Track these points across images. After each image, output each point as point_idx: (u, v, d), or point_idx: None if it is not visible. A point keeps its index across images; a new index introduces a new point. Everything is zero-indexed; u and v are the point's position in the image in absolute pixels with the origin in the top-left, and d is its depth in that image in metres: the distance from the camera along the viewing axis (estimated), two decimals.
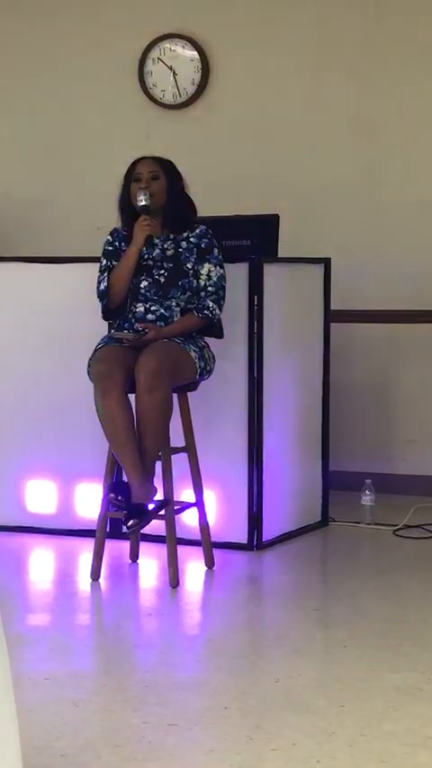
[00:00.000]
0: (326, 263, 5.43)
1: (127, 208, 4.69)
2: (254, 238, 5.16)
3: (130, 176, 4.68)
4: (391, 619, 4.05)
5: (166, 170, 4.68)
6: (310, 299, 5.36)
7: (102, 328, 4.82)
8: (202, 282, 4.62)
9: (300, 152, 6.29)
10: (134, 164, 4.71)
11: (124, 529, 4.45)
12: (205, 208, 5.05)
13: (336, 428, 5.59)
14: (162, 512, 4.46)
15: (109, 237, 4.74)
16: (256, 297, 4.93)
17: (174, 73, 6.50)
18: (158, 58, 6.52)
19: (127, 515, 4.38)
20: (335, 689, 3.38)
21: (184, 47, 6.47)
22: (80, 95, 6.69)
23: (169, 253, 4.63)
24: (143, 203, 4.59)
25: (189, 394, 4.62)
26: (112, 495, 4.44)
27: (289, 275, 5.23)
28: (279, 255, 5.20)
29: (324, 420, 5.43)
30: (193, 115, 6.50)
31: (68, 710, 3.22)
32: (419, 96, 6.12)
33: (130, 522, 4.37)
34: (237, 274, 4.86)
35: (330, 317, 5.44)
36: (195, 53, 6.44)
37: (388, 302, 6.13)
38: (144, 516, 4.38)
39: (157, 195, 4.62)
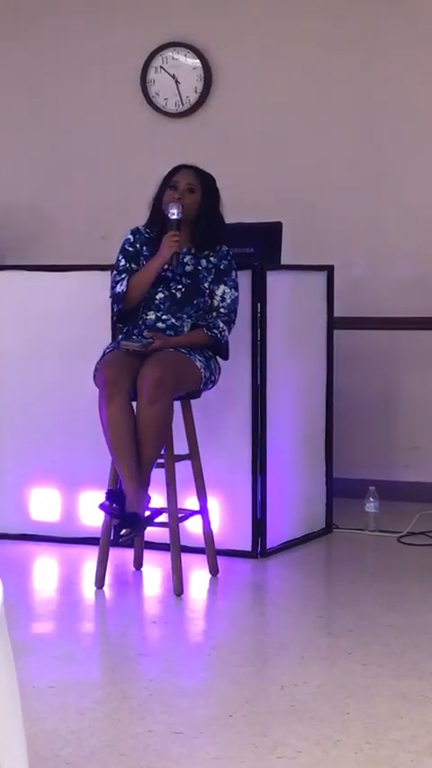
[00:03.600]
0: (329, 270, 5.43)
1: (157, 210, 4.63)
2: (257, 246, 5.17)
3: (168, 181, 4.63)
4: (395, 626, 4.05)
5: (205, 185, 4.63)
6: (313, 307, 5.37)
7: (105, 336, 4.82)
8: (216, 303, 4.61)
9: (302, 159, 6.29)
10: (175, 170, 4.66)
11: (118, 538, 4.41)
12: None
13: (339, 435, 5.59)
14: (159, 519, 4.46)
15: (130, 237, 4.68)
16: (259, 304, 4.93)
17: (176, 81, 6.51)
18: (161, 67, 6.53)
19: (120, 524, 4.37)
20: (340, 696, 3.38)
21: (186, 55, 6.48)
22: (83, 104, 6.71)
23: (189, 268, 4.61)
24: (174, 217, 4.52)
25: (193, 401, 4.62)
26: (107, 502, 4.44)
27: (292, 283, 5.23)
28: (282, 263, 5.20)
29: (327, 427, 5.43)
30: (195, 123, 6.51)
31: (74, 719, 3.22)
32: (422, 105, 6.12)
33: (123, 531, 4.35)
34: (240, 282, 4.86)
35: (333, 324, 5.44)
36: (198, 61, 6.45)
37: (391, 309, 6.14)
38: (137, 525, 4.37)
39: (188, 209, 4.58)
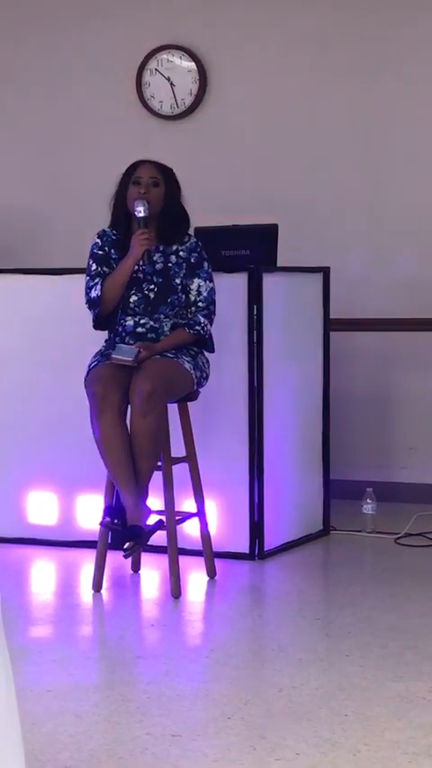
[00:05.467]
0: (325, 272, 5.43)
1: (120, 209, 4.61)
2: (253, 248, 5.17)
3: (129, 177, 4.60)
4: (393, 627, 4.05)
5: (167, 178, 4.61)
6: (309, 309, 5.37)
7: (101, 340, 4.82)
8: (192, 297, 4.58)
9: (298, 161, 6.30)
10: (135, 165, 4.63)
11: (122, 553, 4.40)
12: (204, 218, 5.05)
13: (336, 437, 5.60)
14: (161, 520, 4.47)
15: (98, 241, 4.66)
16: (255, 306, 4.93)
17: (171, 84, 6.51)
18: (156, 69, 6.54)
19: (123, 538, 4.37)
20: (338, 698, 3.38)
21: (181, 58, 6.48)
22: (78, 107, 6.71)
23: (159, 266, 4.58)
24: (142, 214, 4.51)
25: (190, 404, 4.62)
26: (108, 519, 4.43)
27: (288, 284, 5.24)
28: (278, 265, 5.20)
29: (324, 429, 5.43)
30: (191, 126, 6.51)
31: (72, 722, 3.21)
32: (419, 106, 6.13)
33: (127, 545, 4.35)
34: (236, 284, 4.87)
35: (330, 325, 5.45)
36: (193, 64, 6.45)
37: (387, 311, 6.14)
38: (140, 538, 4.36)
39: (154, 203, 4.56)
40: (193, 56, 6.45)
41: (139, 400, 4.34)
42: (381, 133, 6.18)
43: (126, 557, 4.45)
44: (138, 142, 6.52)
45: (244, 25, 6.38)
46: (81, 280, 5.04)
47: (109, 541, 4.56)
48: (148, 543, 4.54)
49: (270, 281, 5.00)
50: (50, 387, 5.23)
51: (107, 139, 6.64)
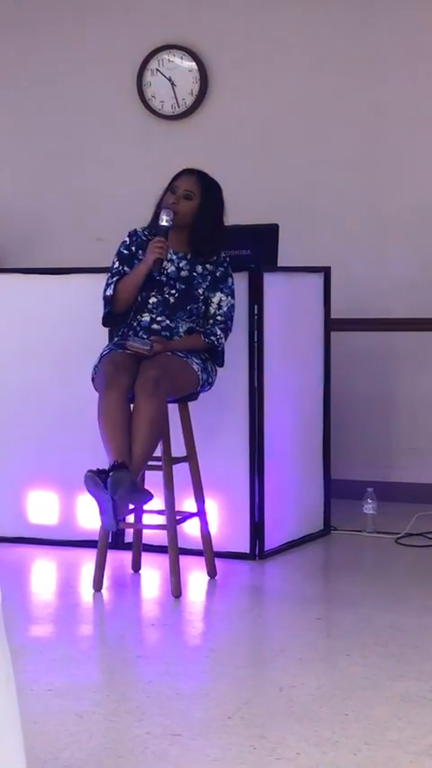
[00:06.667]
0: (326, 271, 5.43)
1: (158, 213, 4.60)
2: (253, 248, 5.17)
3: (171, 184, 4.59)
4: (394, 627, 4.05)
5: (206, 193, 4.58)
6: (310, 308, 5.37)
7: (103, 339, 4.82)
8: (212, 310, 4.60)
9: (299, 161, 6.30)
10: (180, 173, 4.62)
11: (107, 490, 4.12)
12: None
13: (337, 437, 5.60)
14: (157, 522, 4.47)
15: (126, 240, 4.66)
16: (256, 306, 4.93)
17: (172, 84, 6.51)
18: (157, 69, 6.54)
19: (105, 474, 4.14)
20: (338, 698, 3.38)
21: (182, 57, 6.48)
22: (79, 107, 6.71)
23: (183, 273, 4.60)
24: (163, 223, 4.49)
25: (190, 403, 4.62)
26: (89, 471, 4.18)
27: (289, 284, 5.24)
28: (279, 265, 5.20)
29: (325, 429, 5.43)
30: (192, 126, 6.51)
31: (72, 722, 3.21)
32: (419, 105, 6.13)
33: (112, 474, 4.10)
34: (237, 284, 4.87)
35: (330, 325, 5.45)
36: (194, 64, 6.45)
37: (388, 311, 6.14)
38: (127, 474, 4.12)
39: (182, 215, 4.54)
40: (194, 56, 6.45)
41: (144, 383, 4.34)
42: (382, 133, 6.18)
43: (114, 495, 4.12)
44: (138, 142, 6.53)
45: (245, 25, 6.38)
46: (82, 279, 5.07)
47: (110, 540, 4.56)
48: (149, 543, 4.53)
49: (271, 281, 5.00)
50: (51, 386, 5.23)
51: (108, 139, 6.64)
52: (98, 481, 4.15)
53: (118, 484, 4.14)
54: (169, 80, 6.52)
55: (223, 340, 4.60)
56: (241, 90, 6.42)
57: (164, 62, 6.52)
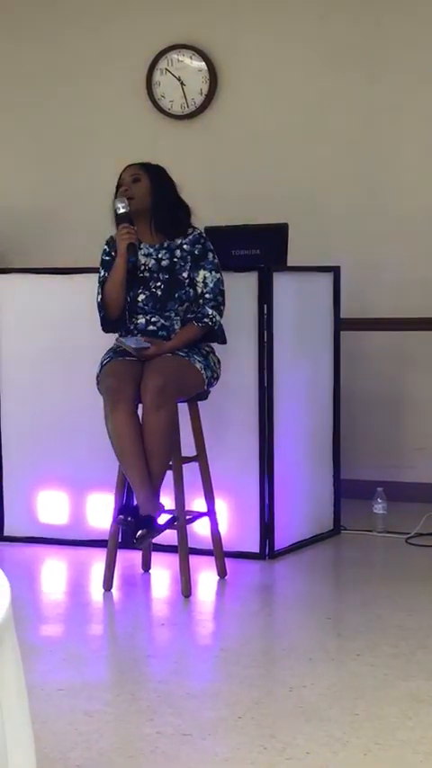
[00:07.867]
0: (335, 271, 5.43)
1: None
2: (263, 247, 5.17)
3: (117, 183, 4.67)
4: (404, 627, 4.04)
5: (150, 172, 4.63)
6: (319, 308, 5.37)
7: (110, 339, 4.82)
8: (199, 290, 4.57)
9: (308, 160, 6.29)
10: (122, 171, 4.69)
11: (134, 541, 4.40)
12: (214, 217, 5.05)
13: (347, 436, 5.59)
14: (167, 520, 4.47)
15: (105, 247, 4.70)
16: (265, 306, 4.93)
17: (182, 83, 6.51)
18: (166, 69, 6.54)
19: (135, 526, 4.36)
20: (348, 698, 3.37)
21: (191, 57, 6.49)
22: (88, 107, 6.71)
23: (164, 263, 4.59)
24: (120, 211, 4.56)
25: (200, 403, 4.62)
26: (121, 516, 4.42)
27: (298, 284, 5.23)
28: (288, 264, 5.20)
29: (335, 428, 5.42)
30: (201, 125, 6.51)
31: (82, 721, 3.22)
32: (427, 104, 6.12)
33: (139, 533, 4.34)
34: (246, 283, 4.87)
35: (340, 325, 5.44)
36: (203, 63, 6.45)
37: (397, 310, 6.14)
38: (152, 527, 4.36)
39: (138, 198, 4.59)
40: (203, 55, 6.45)
41: (150, 396, 4.34)
42: (394, 132, 6.17)
43: (138, 546, 4.45)
44: (148, 142, 6.53)
45: (254, 25, 6.38)
46: (91, 279, 5.05)
47: (119, 540, 4.57)
48: (159, 543, 4.55)
49: (280, 281, 5.00)
50: (61, 387, 5.23)
51: (117, 139, 6.64)
52: (127, 529, 4.40)
53: (144, 539, 4.37)
54: (179, 80, 6.52)
55: (218, 318, 4.56)
56: (250, 90, 6.42)
57: (173, 62, 6.53)
